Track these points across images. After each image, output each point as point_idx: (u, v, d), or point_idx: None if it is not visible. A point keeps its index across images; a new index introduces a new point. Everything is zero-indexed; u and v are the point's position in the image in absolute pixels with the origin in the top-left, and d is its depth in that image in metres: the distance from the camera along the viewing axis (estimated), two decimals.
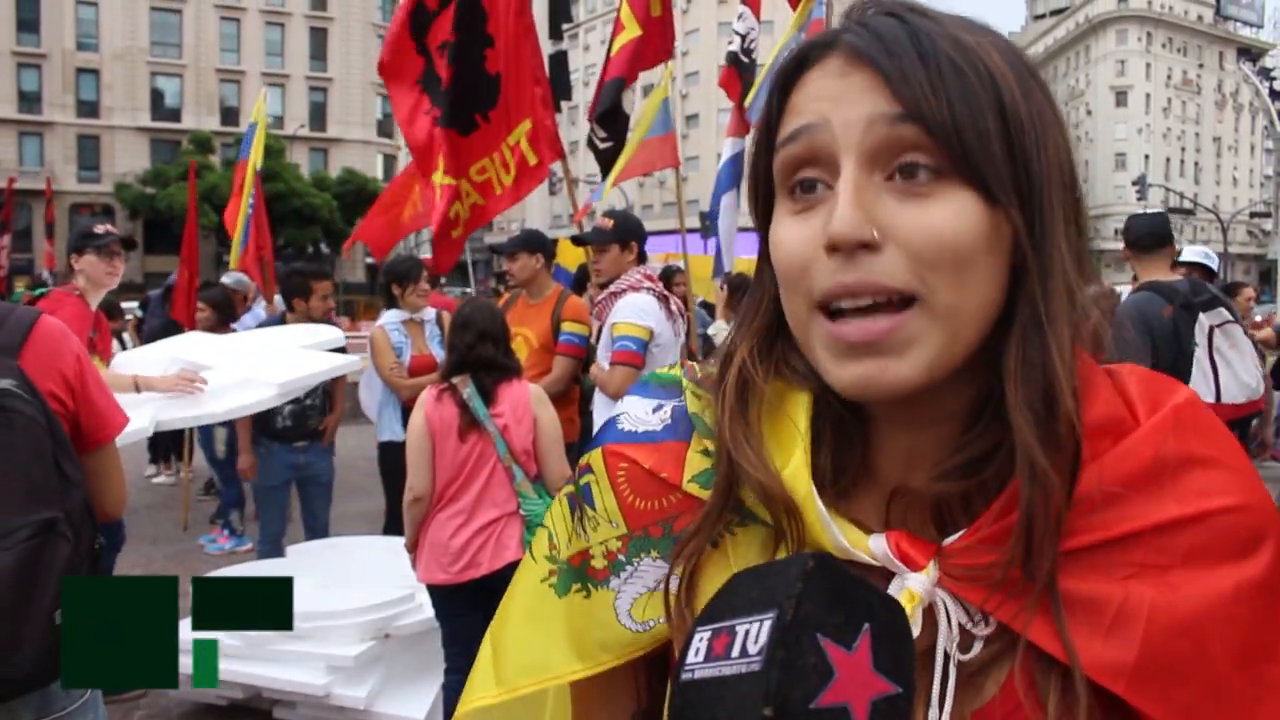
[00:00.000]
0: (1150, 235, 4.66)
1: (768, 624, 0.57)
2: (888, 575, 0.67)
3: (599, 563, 0.77)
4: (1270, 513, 0.67)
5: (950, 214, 0.62)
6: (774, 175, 0.69)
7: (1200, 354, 4.41)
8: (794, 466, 0.69)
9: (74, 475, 1.83)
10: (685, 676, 0.59)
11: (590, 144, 6.43)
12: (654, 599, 0.75)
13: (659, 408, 0.80)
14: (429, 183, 5.90)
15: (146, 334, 9.12)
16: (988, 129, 0.63)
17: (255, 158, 10.30)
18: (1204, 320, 4.42)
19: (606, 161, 6.43)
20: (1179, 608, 0.62)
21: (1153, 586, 0.62)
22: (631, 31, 6.28)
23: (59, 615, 1.71)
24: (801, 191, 0.67)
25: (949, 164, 0.63)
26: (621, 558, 0.76)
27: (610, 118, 6.26)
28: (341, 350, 5.18)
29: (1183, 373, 4.38)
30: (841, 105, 0.65)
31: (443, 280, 9.82)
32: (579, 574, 0.78)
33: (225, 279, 9.24)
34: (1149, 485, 0.65)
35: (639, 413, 0.80)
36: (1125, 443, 0.66)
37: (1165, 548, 0.63)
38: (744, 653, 0.57)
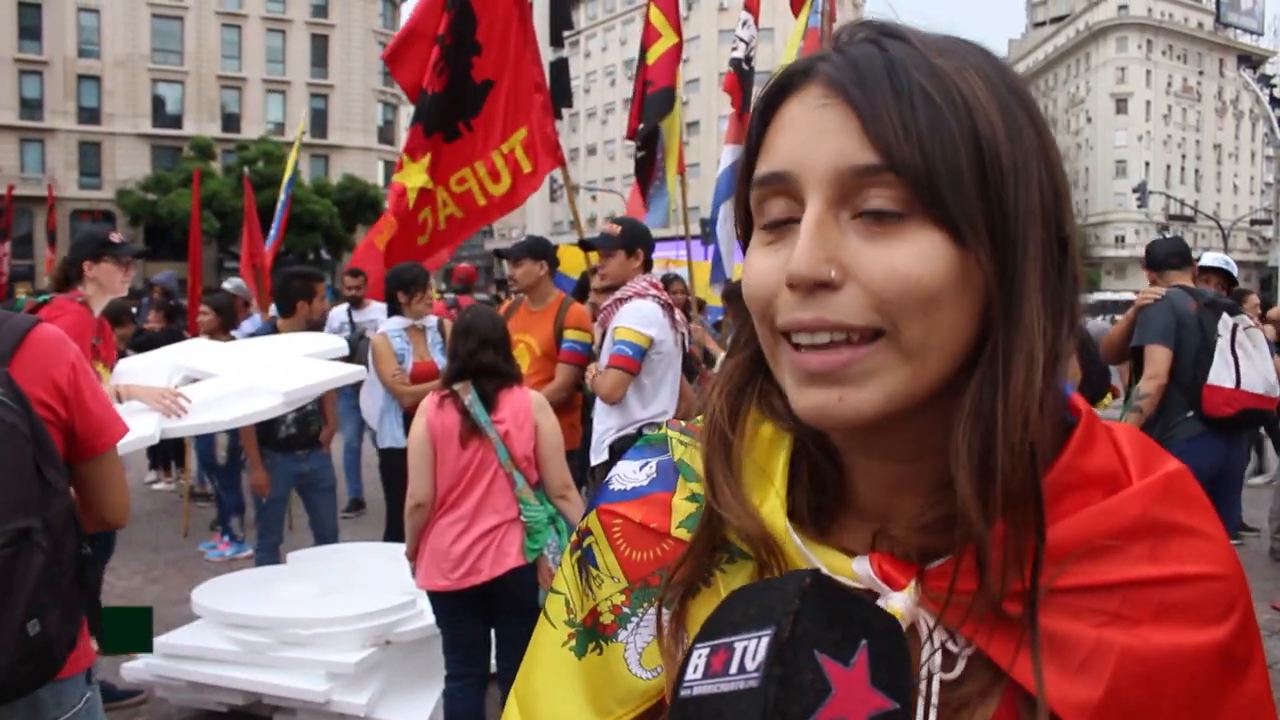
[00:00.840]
0: (1176, 255, 5.09)
1: (765, 640, 0.57)
2: (874, 598, 0.68)
3: (607, 618, 0.80)
4: (1242, 587, 0.69)
5: (914, 254, 0.62)
6: (750, 206, 0.70)
7: (1223, 344, 4.69)
8: (770, 506, 0.72)
9: (57, 483, 1.81)
10: (684, 693, 0.59)
11: (641, 160, 6.44)
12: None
13: (645, 465, 0.83)
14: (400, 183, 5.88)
15: (146, 341, 9.12)
16: (960, 169, 0.62)
17: (287, 170, 10.99)
18: (1228, 319, 4.75)
19: (643, 170, 6.41)
20: (1145, 659, 0.64)
21: (1123, 635, 0.64)
22: (668, 39, 6.29)
23: (33, 625, 1.69)
24: (774, 223, 0.67)
25: (918, 204, 0.62)
26: (626, 610, 0.79)
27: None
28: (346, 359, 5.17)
29: (1203, 363, 4.69)
30: (813, 143, 0.65)
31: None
32: (592, 633, 0.81)
33: (226, 284, 9.28)
34: (1132, 541, 0.66)
35: (627, 473, 0.84)
36: (1115, 498, 0.68)
37: (1140, 602, 0.65)
38: (742, 669, 0.57)
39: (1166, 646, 0.64)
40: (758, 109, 0.71)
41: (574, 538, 0.85)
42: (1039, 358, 0.64)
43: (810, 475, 0.74)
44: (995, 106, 0.64)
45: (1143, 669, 0.64)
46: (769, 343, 0.68)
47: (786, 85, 0.69)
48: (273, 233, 11.36)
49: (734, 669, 0.57)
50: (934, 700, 0.66)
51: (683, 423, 0.85)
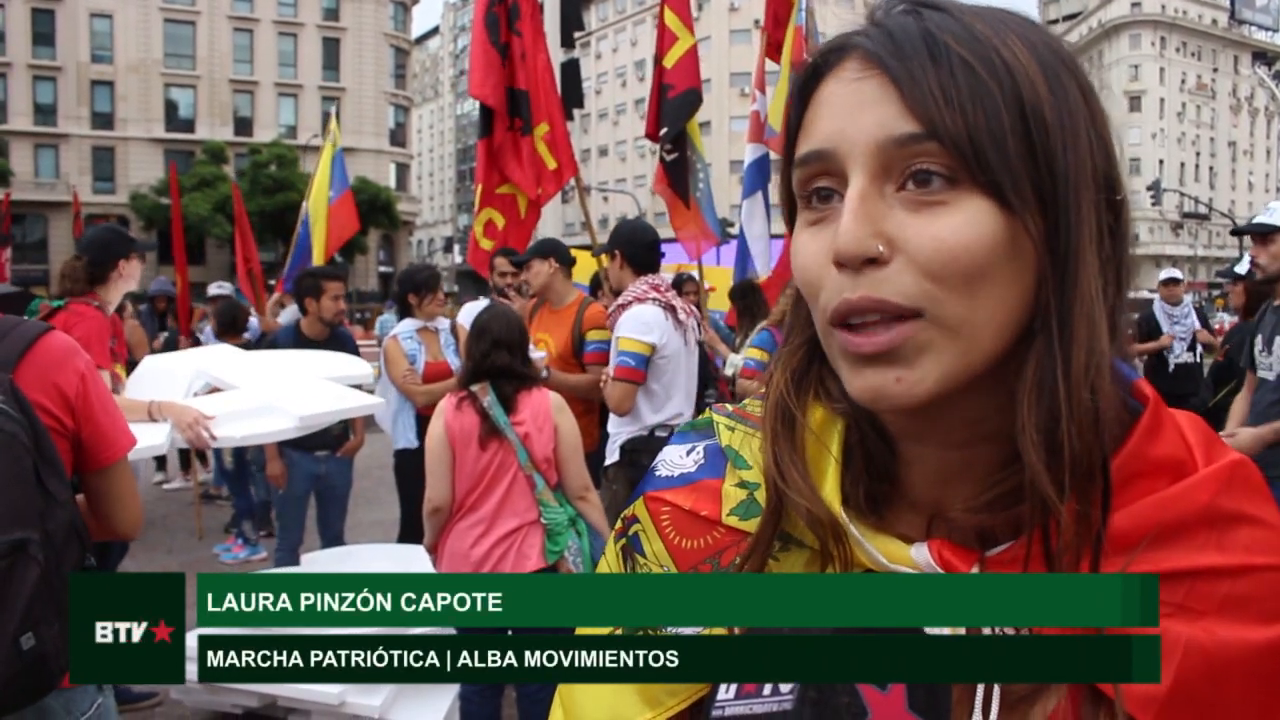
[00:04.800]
0: None
1: None
2: None
3: None
4: None
5: (961, 223, 0.60)
6: (793, 187, 0.68)
7: None
8: (828, 491, 0.69)
9: (59, 493, 1.77)
10: (716, 713, 0.57)
11: (673, 162, 6.40)
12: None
13: (692, 450, 0.81)
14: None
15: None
16: (1004, 132, 0.60)
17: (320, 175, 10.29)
18: None
19: (678, 173, 6.38)
20: (1210, 652, 0.62)
21: (1187, 628, 0.62)
22: (685, 41, 6.29)
23: (27, 640, 1.65)
24: (818, 201, 0.66)
25: (963, 170, 0.60)
26: None
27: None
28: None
29: None
30: (852, 117, 0.63)
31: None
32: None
33: (212, 288, 9.26)
34: (1197, 530, 0.64)
35: (674, 458, 0.82)
36: (1182, 485, 0.65)
37: (1205, 593, 0.63)
38: (776, 691, 0.55)
39: (1232, 640, 0.62)
40: (795, 92, 0.69)
41: (619, 525, 0.83)
42: (1099, 321, 0.62)
43: (865, 462, 0.72)
44: (1038, 68, 0.63)
45: (1207, 663, 0.62)
46: (821, 326, 0.66)
47: (821, 65, 0.67)
48: (299, 243, 10.37)
49: (768, 690, 0.56)
50: (995, 691, 0.63)
51: (729, 406, 0.82)
